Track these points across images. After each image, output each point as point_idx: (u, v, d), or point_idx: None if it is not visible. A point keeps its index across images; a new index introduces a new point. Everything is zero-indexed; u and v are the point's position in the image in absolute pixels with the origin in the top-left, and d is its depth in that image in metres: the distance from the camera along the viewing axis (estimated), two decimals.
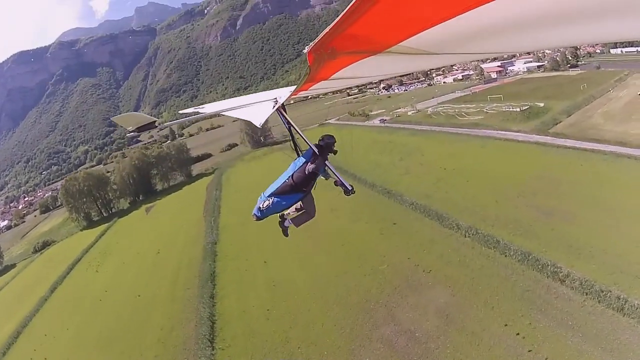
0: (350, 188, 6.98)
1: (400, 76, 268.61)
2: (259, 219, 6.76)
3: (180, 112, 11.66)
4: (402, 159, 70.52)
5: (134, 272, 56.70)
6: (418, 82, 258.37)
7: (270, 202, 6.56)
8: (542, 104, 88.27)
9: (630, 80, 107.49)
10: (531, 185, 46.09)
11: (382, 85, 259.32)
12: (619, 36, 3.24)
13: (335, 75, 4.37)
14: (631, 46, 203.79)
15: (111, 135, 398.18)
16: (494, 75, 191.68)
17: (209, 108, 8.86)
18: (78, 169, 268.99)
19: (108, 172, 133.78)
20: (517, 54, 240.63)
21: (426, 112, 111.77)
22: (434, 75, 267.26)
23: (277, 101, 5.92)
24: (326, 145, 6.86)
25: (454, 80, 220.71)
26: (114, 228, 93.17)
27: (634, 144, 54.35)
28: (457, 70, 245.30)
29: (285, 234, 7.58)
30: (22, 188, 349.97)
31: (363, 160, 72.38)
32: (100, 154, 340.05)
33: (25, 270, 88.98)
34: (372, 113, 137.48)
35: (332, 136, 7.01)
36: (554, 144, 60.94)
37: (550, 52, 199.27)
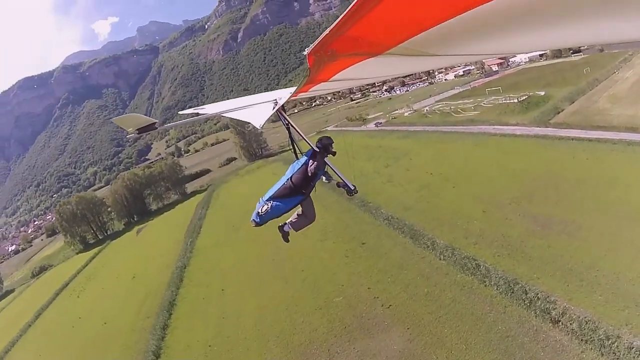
0: (353, 188, 7.03)
1: (402, 77, 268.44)
2: (258, 224, 6.63)
3: (180, 112, 12.55)
4: (388, 165, 65.44)
5: (109, 298, 55.17)
6: (420, 81, 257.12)
7: (269, 206, 6.45)
8: (542, 93, 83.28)
9: (635, 60, 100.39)
10: (527, 187, 40.11)
11: (384, 88, 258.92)
12: (623, 36, 3.04)
13: (335, 76, 4.38)
14: None
15: (119, 155, 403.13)
16: (495, 68, 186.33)
17: (209, 109, 8.93)
18: (87, 191, 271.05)
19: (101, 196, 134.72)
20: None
21: (422, 111, 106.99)
22: (435, 73, 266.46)
23: (277, 102, 5.93)
24: (324, 147, 6.73)
25: (455, 76, 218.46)
26: (105, 251, 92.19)
27: None
28: (458, 66, 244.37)
29: (286, 239, 7.29)
30: (34, 212, 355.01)
31: (347, 169, 66.19)
32: (108, 174, 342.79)
33: (21, 295, 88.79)
34: (369, 117, 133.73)
35: (329, 137, 6.92)
36: (556, 136, 55.14)
37: None
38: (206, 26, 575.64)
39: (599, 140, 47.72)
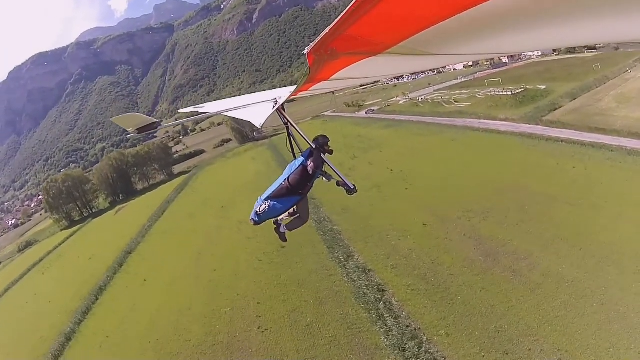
0: (352, 187, 6.87)
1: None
2: (256, 223, 6.63)
3: (180, 111, 12.94)
4: (355, 157, 61.93)
5: (64, 277, 56.16)
6: (430, 70, 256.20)
7: (267, 205, 6.41)
8: (544, 87, 79.81)
9: None
10: (488, 199, 34.95)
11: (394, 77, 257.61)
12: (623, 36, 3.20)
13: (335, 75, 4.33)
14: None
15: (128, 132, 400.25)
16: (505, 60, 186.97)
17: (208, 108, 9.06)
18: (94, 167, 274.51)
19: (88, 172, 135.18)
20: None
21: (416, 101, 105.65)
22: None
23: (277, 102, 5.85)
24: (320, 146, 6.60)
25: (465, 67, 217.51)
26: (84, 229, 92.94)
27: None
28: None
29: (284, 239, 7.26)
30: (41, 186, 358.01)
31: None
32: (115, 151, 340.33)
33: (5, 269, 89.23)
34: (366, 103, 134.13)
35: (326, 136, 6.77)
36: (544, 136, 50.32)
37: None
38: (222, 6, 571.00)
39: (594, 146, 42.88)
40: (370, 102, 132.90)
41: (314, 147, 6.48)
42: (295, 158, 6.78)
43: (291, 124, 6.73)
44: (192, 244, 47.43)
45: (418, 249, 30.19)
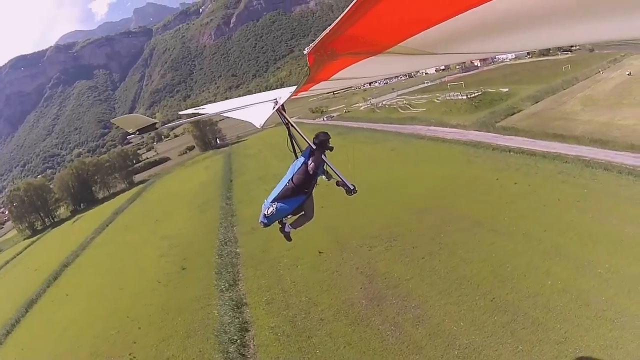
0: (352, 188, 6.97)
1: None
2: (266, 225, 6.71)
3: (180, 112, 12.49)
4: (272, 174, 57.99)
5: (9, 288, 55.72)
6: (406, 74, 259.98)
7: (275, 207, 6.51)
8: (506, 90, 77.55)
9: (626, 61, 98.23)
10: (402, 224, 30.52)
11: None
12: (622, 35, 3.19)
13: (335, 75, 4.41)
14: None
15: (104, 137, 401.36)
16: (477, 64, 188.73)
17: (209, 109, 9.09)
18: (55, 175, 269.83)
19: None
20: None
21: (374, 106, 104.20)
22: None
23: (277, 102, 5.90)
24: (321, 143, 6.73)
25: (436, 70, 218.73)
26: (43, 239, 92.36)
27: (620, 143, 38.21)
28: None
29: (289, 238, 7.38)
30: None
31: (249, 172, 70.01)
32: (91, 156, 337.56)
33: None
34: (329, 109, 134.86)
35: (327, 133, 6.89)
36: (491, 145, 45.87)
37: None
38: (201, 10, 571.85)
39: (546, 156, 38.45)
40: (334, 108, 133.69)
41: (313, 147, 6.67)
42: (296, 157, 6.92)
43: (291, 124, 6.99)
44: (117, 259, 46.88)
45: (301, 283, 26.41)
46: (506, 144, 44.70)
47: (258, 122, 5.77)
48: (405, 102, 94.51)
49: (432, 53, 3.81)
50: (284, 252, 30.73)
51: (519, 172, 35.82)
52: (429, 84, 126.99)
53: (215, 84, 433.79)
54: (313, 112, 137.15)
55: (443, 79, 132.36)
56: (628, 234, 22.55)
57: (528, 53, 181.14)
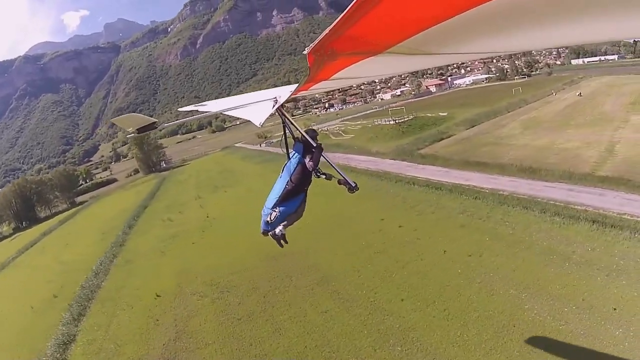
0: (354, 185, 6.73)
1: (343, 96, 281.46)
2: (268, 232, 6.53)
3: (180, 109, 12.30)
4: (199, 197, 61.40)
5: None
6: (362, 99, 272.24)
7: (277, 212, 6.35)
8: (445, 114, 77.85)
9: (583, 83, 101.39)
10: (247, 271, 28.27)
11: (327, 104, 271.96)
12: (622, 34, 3.32)
13: (335, 75, 4.45)
14: (594, 56, 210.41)
15: (66, 154, 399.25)
16: (433, 89, 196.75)
17: (210, 106, 8.89)
18: None
19: None
20: (481, 63, 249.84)
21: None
22: (375, 92, 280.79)
23: (277, 101, 5.81)
24: (311, 139, 6.64)
25: (392, 96, 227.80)
26: None
27: (554, 171, 34.23)
28: (404, 81, 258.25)
29: (285, 240, 6.72)
30: None
31: (165, 199, 71.05)
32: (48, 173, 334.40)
33: None
34: (274, 134, 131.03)
35: (315, 130, 6.89)
36: (398, 176, 42.77)
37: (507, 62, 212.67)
38: (169, 29, 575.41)
39: (453, 190, 34.50)
40: (279, 134, 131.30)
41: (315, 144, 6.50)
42: (289, 159, 6.71)
43: (291, 123, 6.94)
44: (16, 281, 46.64)
45: (123, 326, 24.93)
46: (415, 175, 40.84)
47: (258, 120, 5.67)
48: (343, 128, 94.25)
49: (432, 53, 3.90)
50: (133, 289, 30.19)
51: (413, 211, 31.68)
52: (375, 110, 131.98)
53: (178, 105, 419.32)
54: (259, 137, 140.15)
55: (394, 104, 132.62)
56: (527, 316, 16.76)
57: (486, 78, 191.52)
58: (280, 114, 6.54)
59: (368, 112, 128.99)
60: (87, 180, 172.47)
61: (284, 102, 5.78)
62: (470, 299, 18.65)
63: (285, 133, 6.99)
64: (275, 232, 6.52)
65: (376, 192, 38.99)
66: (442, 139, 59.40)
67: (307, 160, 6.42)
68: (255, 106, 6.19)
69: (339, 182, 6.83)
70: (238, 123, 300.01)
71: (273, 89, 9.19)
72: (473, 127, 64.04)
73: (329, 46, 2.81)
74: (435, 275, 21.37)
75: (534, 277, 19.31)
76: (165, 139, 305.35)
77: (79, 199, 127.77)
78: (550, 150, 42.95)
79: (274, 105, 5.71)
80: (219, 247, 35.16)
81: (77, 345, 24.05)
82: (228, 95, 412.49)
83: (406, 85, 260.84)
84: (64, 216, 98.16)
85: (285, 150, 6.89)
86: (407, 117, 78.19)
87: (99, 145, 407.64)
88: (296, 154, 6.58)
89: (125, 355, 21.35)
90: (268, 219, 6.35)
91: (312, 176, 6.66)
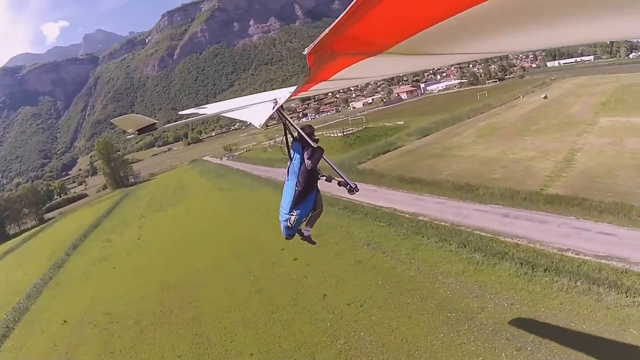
0: (354, 187, 6.63)
1: (317, 105, 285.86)
2: (292, 236, 6.75)
3: (180, 112, 11.74)
4: (142, 216, 61.04)
5: None
6: (335, 108, 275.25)
7: (296, 214, 6.43)
8: (401, 122, 76.37)
9: (555, 84, 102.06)
10: (126, 303, 27.23)
11: (301, 113, 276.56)
12: (622, 34, 3.29)
13: (335, 76, 4.41)
14: (570, 57, 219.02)
15: (44, 168, 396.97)
16: (404, 96, 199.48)
17: (210, 109, 8.72)
18: None
19: None
20: (451, 69, 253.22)
21: (268, 145, 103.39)
22: (350, 100, 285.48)
23: (277, 102, 5.71)
24: (309, 136, 6.52)
25: (364, 104, 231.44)
26: None
27: (493, 190, 29.51)
28: (379, 89, 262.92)
29: (312, 241, 7.22)
30: None
31: (117, 217, 70.48)
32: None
33: None
34: (240, 147, 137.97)
35: (311, 126, 6.78)
36: (324, 196, 20.62)
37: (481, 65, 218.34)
38: (147, 40, 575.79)
39: (369, 214, 31.57)
40: (244, 146, 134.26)
41: (314, 145, 6.44)
42: (290, 159, 6.73)
43: (291, 124, 6.85)
44: None
45: (26, 353, 24.92)
46: (339, 196, 35.03)
47: (258, 122, 5.57)
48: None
49: (433, 53, 3.91)
50: (51, 314, 29.80)
51: (317, 240, 19.60)
52: (340, 120, 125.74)
53: (155, 117, 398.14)
54: (225, 150, 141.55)
55: (364, 112, 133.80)
56: None
57: (459, 83, 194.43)
58: (280, 115, 6.55)
59: (333, 122, 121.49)
60: (62, 195, 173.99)
61: (283, 104, 5.76)
62: None
63: (286, 135, 7.01)
64: (303, 233, 6.94)
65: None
66: (389, 151, 55.61)
67: (305, 159, 6.42)
68: (255, 108, 6.21)
69: (339, 184, 6.84)
70: (214, 135, 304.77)
71: (272, 91, 9.14)
72: (425, 136, 60.73)
73: (328, 46, 2.82)
74: (299, 327, 18.29)
75: (416, 345, 15.13)
76: (142, 152, 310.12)
77: (49, 215, 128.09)
78: (498, 162, 37.95)
79: (274, 107, 5.66)
80: (132, 272, 34.40)
81: None
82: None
83: (379, 92, 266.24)
84: (29, 234, 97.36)
85: (286, 152, 6.95)
86: (356, 129, 74.93)
87: (77, 158, 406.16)
88: (296, 154, 6.60)
89: None
90: (288, 224, 6.46)
91: (316, 172, 6.63)
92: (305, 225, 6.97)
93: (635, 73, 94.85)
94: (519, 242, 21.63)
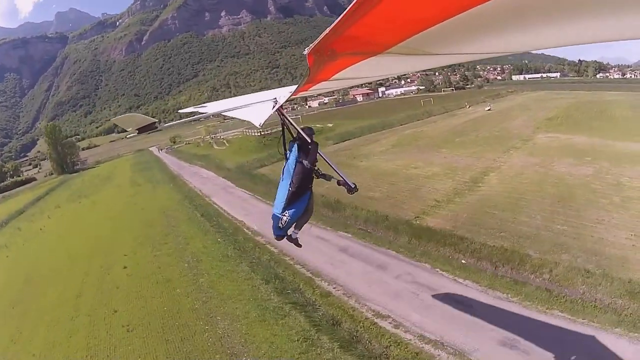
0: (353, 187, 6.73)
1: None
2: (282, 237, 6.70)
3: (180, 111, 12.31)
4: (57, 206, 59.56)
5: None
6: (292, 106, 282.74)
7: (287, 215, 6.44)
8: (330, 125, 75.70)
9: (510, 96, 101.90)
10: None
11: None
12: (621, 34, 3.21)
13: (335, 76, 4.44)
14: (536, 73, 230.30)
15: (3, 147, 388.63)
16: (360, 99, 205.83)
17: (210, 108, 8.90)
18: None
19: None
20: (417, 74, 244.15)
21: (202, 139, 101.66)
22: (308, 99, 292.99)
23: (276, 101, 5.75)
24: (309, 137, 6.60)
25: (319, 104, 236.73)
26: None
27: (364, 210, 26.64)
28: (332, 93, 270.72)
29: (298, 244, 7.08)
30: None
31: (45, 203, 69.07)
32: None
33: None
34: (186, 139, 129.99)
35: (311, 128, 6.76)
36: (203, 202, 39.52)
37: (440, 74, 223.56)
38: (117, 23, 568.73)
39: (215, 227, 30.59)
40: (188, 139, 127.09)
41: (310, 141, 6.52)
42: (286, 159, 6.74)
43: (291, 123, 6.90)
44: None
45: None
46: (215, 203, 35.60)
47: (258, 121, 5.68)
48: (226, 138, 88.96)
49: (433, 53, 3.90)
50: None
51: (163, 247, 28.00)
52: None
53: (118, 102, 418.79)
54: (170, 141, 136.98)
55: (313, 112, 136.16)
56: None
57: (417, 89, 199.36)
58: (280, 114, 6.56)
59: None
60: (14, 177, 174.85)
61: (283, 103, 5.76)
62: None
63: (283, 134, 6.95)
64: (290, 235, 6.93)
65: (166, 217, 35.49)
66: None
67: (303, 160, 6.41)
68: (255, 107, 6.22)
69: (338, 183, 6.86)
70: (174, 123, 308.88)
71: (272, 90, 9.04)
72: (344, 141, 58.75)
73: (329, 46, 2.84)
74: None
75: None
76: (101, 137, 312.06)
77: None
78: (390, 177, 35.10)
79: (273, 106, 5.67)
80: (12, 262, 34.49)
81: None
82: (167, 94, 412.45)
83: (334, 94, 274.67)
84: None
85: (282, 152, 6.90)
86: (277, 129, 59.58)
87: (37, 140, 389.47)
88: (292, 154, 6.55)
89: None
90: (280, 224, 6.45)
91: (312, 174, 6.65)
92: (295, 227, 6.99)
93: (595, 91, 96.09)
94: (333, 290, 17.71)
